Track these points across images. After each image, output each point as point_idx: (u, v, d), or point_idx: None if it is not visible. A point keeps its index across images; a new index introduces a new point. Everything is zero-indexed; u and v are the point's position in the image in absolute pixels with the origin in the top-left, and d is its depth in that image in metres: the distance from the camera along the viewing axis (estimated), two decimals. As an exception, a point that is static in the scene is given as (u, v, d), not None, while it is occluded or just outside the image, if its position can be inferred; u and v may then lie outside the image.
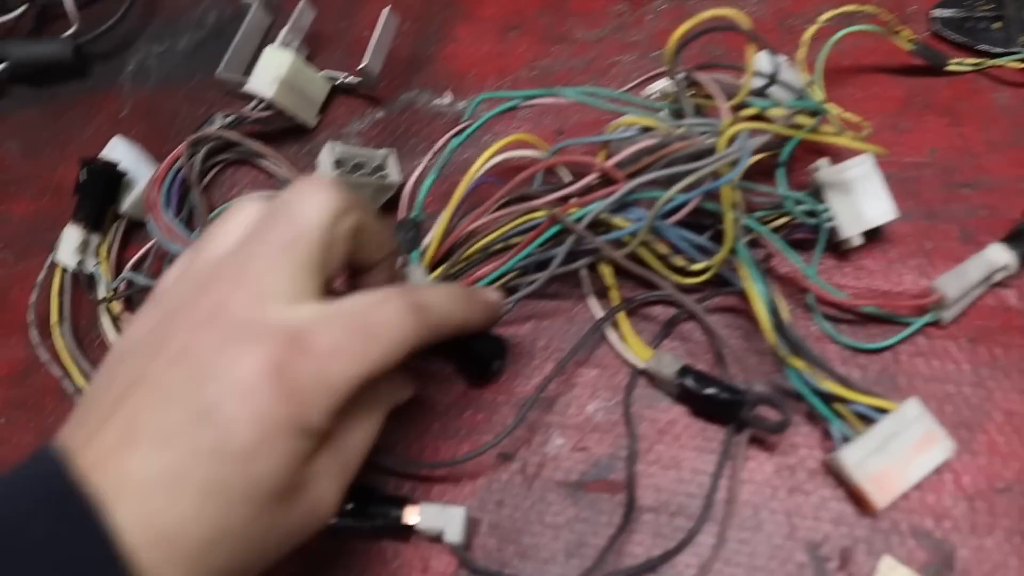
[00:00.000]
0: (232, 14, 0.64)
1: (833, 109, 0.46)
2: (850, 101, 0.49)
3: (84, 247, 0.51)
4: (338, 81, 0.57)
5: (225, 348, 0.30)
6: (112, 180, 0.52)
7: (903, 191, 0.45)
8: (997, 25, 0.51)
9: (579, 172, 0.46)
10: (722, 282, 0.44)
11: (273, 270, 0.32)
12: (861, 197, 0.43)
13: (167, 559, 0.28)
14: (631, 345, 0.44)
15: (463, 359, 0.45)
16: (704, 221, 0.43)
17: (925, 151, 0.48)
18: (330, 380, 0.31)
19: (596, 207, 0.42)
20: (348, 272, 0.39)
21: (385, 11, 0.54)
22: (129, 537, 0.27)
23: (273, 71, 0.53)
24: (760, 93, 0.44)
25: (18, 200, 0.60)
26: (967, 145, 0.48)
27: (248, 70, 0.58)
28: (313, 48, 0.60)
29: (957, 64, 0.50)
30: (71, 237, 0.51)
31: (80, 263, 0.51)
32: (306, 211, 0.33)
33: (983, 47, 0.51)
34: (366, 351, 0.32)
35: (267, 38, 0.61)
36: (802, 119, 0.43)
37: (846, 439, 0.39)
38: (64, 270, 0.52)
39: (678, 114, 0.46)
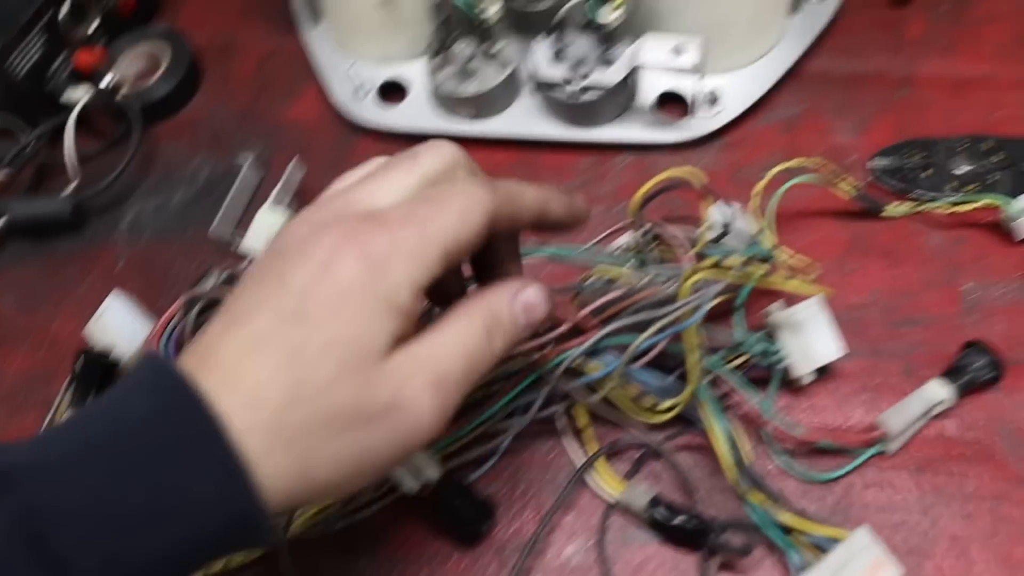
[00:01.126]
0: (224, 170, 0.66)
1: (783, 254, 0.50)
2: (799, 244, 0.53)
3: None
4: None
5: (310, 235, 0.33)
6: (108, 368, 0.54)
7: (850, 330, 0.49)
8: (928, 172, 0.56)
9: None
10: (689, 420, 0.48)
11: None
12: (811, 337, 0.47)
13: (254, 422, 0.29)
14: (605, 481, 0.47)
15: (451, 521, 0.47)
16: (669, 363, 0.47)
17: (867, 291, 0.52)
18: (405, 247, 0.32)
19: (571, 354, 0.46)
20: None
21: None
22: (222, 404, 0.29)
23: (266, 232, 0.57)
24: (717, 241, 0.48)
25: (12, 355, 0.60)
26: (905, 285, 0.52)
27: (239, 225, 0.62)
28: (303, 202, 0.62)
29: (893, 209, 0.54)
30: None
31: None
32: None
33: (917, 193, 0.55)
34: (441, 217, 0.32)
35: (258, 193, 0.65)
36: (755, 267, 0.46)
37: (802, 569, 0.42)
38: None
39: (644, 263, 0.50)
